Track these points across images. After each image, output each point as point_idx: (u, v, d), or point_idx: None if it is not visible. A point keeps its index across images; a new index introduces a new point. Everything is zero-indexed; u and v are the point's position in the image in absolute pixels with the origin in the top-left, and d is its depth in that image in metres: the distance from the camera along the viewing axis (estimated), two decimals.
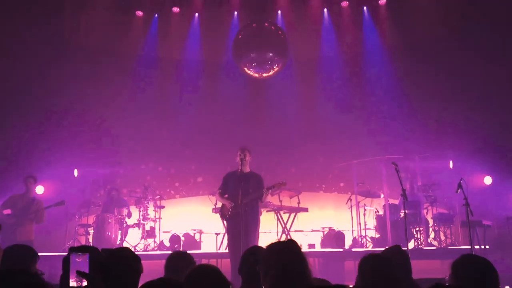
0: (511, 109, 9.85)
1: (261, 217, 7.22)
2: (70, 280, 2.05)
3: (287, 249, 2.90)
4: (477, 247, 7.72)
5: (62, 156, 10.17)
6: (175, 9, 11.62)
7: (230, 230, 7.02)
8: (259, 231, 7.01)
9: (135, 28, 11.54)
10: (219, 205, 7.53)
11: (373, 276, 2.97)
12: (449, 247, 8.96)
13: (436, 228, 9.52)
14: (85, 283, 2.05)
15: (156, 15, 11.63)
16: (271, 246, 2.95)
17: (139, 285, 2.12)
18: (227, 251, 7.38)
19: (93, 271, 2.07)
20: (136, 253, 2.80)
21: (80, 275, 2.03)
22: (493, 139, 9.79)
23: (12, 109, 9.79)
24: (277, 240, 3.48)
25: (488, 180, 9.96)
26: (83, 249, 2.13)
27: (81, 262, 2.07)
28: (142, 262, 2.78)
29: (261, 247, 3.96)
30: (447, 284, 2.82)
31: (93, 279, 2.04)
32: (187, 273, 2.49)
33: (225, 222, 7.50)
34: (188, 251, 4.11)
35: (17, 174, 8.68)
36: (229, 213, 6.86)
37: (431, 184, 9.67)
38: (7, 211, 7.65)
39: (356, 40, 11.72)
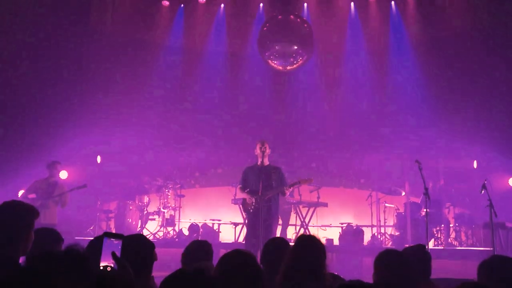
0: None
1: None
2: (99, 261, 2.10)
3: (305, 241, 2.99)
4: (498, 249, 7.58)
5: (86, 143, 10.32)
6: (201, 0, 11.63)
7: (250, 223, 6.99)
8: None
9: (161, 18, 11.60)
10: (239, 196, 7.54)
11: (387, 272, 2.94)
12: (470, 248, 8.82)
13: (458, 228, 9.40)
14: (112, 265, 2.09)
15: (182, 5, 11.67)
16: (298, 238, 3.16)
17: (164, 274, 2.15)
18: (244, 242, 7.38)
19: (124, 257, 2.11)
20: (154, 240, 2.84)
21: (114, 258, 2.07)
22: None
23: (36, 95, 9.97)
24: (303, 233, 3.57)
25: None
26: (118, 235, 2.18)
27: (112, 246, 2.12)
28: (161, 249, 2.82)
29: (283, 239, 3.99)
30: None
31: (124, 265, 2.08)
32: (221, 257, 2.51)
33: (245, 214, 7.50)
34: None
35: (41, 161, 8.86)
36: (253, 207, 6.80)
37: (454, 184, 9.52)
38: (32, 195, 7.80)
39: (382, 34, 11.56)
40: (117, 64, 10.96)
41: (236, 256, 2.53)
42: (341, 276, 3.32)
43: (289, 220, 9.51)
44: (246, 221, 7.47)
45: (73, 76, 10.38)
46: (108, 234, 2.17)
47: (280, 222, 9.44)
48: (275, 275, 3.02)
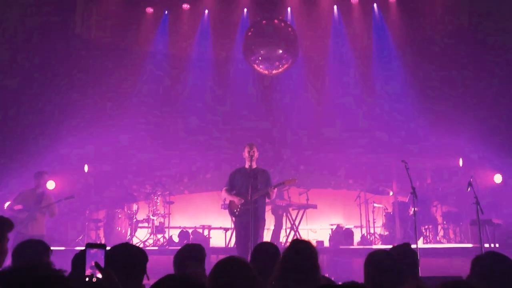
0: None
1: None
2: (84, 273, 2.10)
3: (299, 245, 3.03)
4: (486, 245, 7.68)
5: (72, 152, 10.26)
6: (185, 6, 11.63)
7: (238, 226, 7.02)
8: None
9: (146, 24, 11.59)
10: (223, 197, 7.54)
11: (378, 272, 2.98)
12: (458, 245, 8.93)
13: (445, 226, 9.51)
14: (99, 275, 2.10)
15: (166, 12, 11.66)
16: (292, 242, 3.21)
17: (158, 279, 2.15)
18: (235, 246, 7.39)
19: (108, 266, 2.11)
20: (145, 248, 2.83)
21: (97, 267, 2.08)
22: (504, 137, 9.70)
23: (22, 104, 9.90)
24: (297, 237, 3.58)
25: (498, 178, 9.89)
26: (100, 245, 2.18)
27: (96, 256, 2.12)
28: (152, 257, 2.80)
29: (271, 243, 4.01)
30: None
31: (108, 273, 2.08)
32: (215, 265, 2.51)
33: (233, 218, 7.49)
34: None
35: (27, 170, 8.77)
36: (238, 209, 6.85)
37: (441, 182, 9.64)
38: (18, 207, 7.72)
39: (366, 37, 11.67)
40: (102, 71, 10.92)
41: (231, 263, 2.53)
42: (332, 278, 3.36)
43: (282, 223, 9.53)
44: (234, 225, 7.47)
45: (59, 84, 10.32)
46: (90, 245, 2.18)
47: (273, 225, 9.49)
48: (265, 279, 3.04)
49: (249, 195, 6.62)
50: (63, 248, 8.46)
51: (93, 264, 2.09)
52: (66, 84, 10.44)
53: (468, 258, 3.13)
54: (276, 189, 6.97)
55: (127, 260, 2.62)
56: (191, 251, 3.61)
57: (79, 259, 2.24)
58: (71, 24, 10.66)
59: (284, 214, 9.50)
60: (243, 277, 2.43)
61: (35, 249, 3.17)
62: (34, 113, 10.03)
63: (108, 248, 2.34)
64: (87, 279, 2.08)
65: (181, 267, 3.43)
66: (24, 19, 9.63)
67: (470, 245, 8.67)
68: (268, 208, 8.67)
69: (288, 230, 9.47)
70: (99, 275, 2.09)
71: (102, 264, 2.11)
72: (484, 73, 10.10)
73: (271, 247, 3.68)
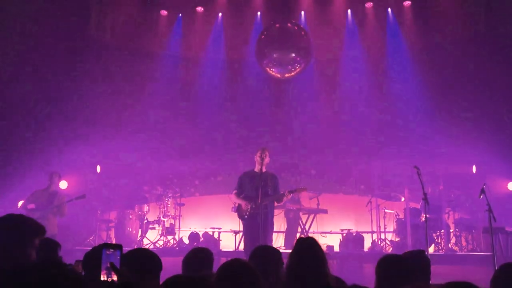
0: None
1: (276, 217, 7.28)
2: (101, 274, 2.10)
3: (305, 243, 2.99)
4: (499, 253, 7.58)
5: (85, 152, 10.34)
6: (199, 9, 11.71)
7: (247, 230, 7.01)
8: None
9: (160, 27, 11.67)
10: (234, 201, 7.54)
11: (388, 278, 2.95)
12: (470, 253, 8.82)
13: (458, 234, 9.40)
14: (115, 277, 2.10)
15: (180, 15, 11.74)
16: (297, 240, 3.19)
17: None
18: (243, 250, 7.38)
19: (123, 267, 2.11)
20: (155, 249, 2.84)
21: (113, 269, 2.08)
22: None
23: (36, 105, 10.02)
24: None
25: (511, 186, 9.76)
26: (116, 245, 2.18)
27: (111, 257, 2.12)
28: (162, 258, 2.81)
29: (271, 246, 4.01)
30: None
31: (125, 274, 2.08)
32: (219, 267, 2.52)
33: (242, 221, 7.49)
34: None
35: (41, 170, 8.86)
36: (247, 213, 6.84)
37: (453, 189, 9.53)
38: (31, 206, 7.79)
39: (379, 41, 11.62)
40: (116, 73, 11.01)
41: (235, 265, 2.54)
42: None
43: (296, 227, 9.49)
44: (243, 228, 7.48)
45: (73, 85, 10.43)
46: (106, 245, 2.18)
47: (284, 228, 9.47)
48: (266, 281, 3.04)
49: (259, 198, 6.62)
50: (74, 247, 8.51)
51: (109, 265, 2.09)
52: (80, 85, 10.55)
53: (480, 266, 3.09)
54: (290, 195, 6.96)
55: (142, 265, 2.63)
56: (199, 255, 3.62)
57: (93, 260, 2.24)
58: (86, 26, 10.77)
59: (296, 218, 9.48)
60: (247, 280, 2.44)
61: (46, 249, 3.19)
62: (49, 114, 10.14)
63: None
64: (102, 279, 2.08)
65: (190, 271, 3.44)
66: (38, 20, 9.74)
67: (482, 253, 8.55)
68: (279, 211, 8.66)
69: (298, 235, 9.44)
70: (115, 277, 2.09)
71: (117, 264, 2.11)
72: (499, 80, 9.98)
73: (271, 249, 3.67)
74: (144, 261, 2.69)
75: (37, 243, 2.56)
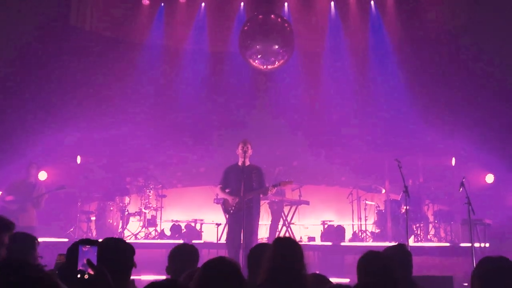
0: None
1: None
2: (77, 270, 2.08)
3: (282, 243, 3.03)
4: (477, 245, 7.73)
5: (65, 143, 10.20)
6: None
7: (231, 223, 7.00)
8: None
9: (142, 17, 11.51)
10: (220, 196, 7.53)
11: (370, 274, 2.97)
12: (449, 244, 8.98)
13: (437, 225, 9.54)
14: (91, 272, 2.07)
15: (162, 4, 11.59)
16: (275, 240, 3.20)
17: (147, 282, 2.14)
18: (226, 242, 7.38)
19: (100, 263, 2.08)
20: (136, 241, 2.81)
21: (90, 265, 2.05)
22: (496, 137, 9.73)
23: (15, 93, 9.82)
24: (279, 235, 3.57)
25: (490, 178, 9.94)
26: (93, 241, 2.16)
27: (88, 253, 2.10)
28: (143, 250, 2.78)
29: (268, 244, 4.02)
30: None
31: (101, 270, 2.05)
32: (203, 265, 2.50)
33: (227, 215, 7.49)
34: (191, 241, 4.15)
35: (20, 160, 8.71)
36: (233, 208, 6.81)
37: (433, 181, 9.67)
38: (9, 198, 7.67)
39: (362, 33, 11.66)
40: (96, 63, 10.83)
41: (220, 264, 2.52)
42: (323, 274, 3.35)
43: (279, 218, 9.52)
44: (227, 222, 7.47)
45: (53, 74, 10.24)
46: (83, 242, 2.16)
47: (269, 221, 9.49)
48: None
49: (241, 192, 6.61)
50: (54, 239, 8.41)
51: (85, 261, 2.07)
52: (59, 74, 10.36)
53: (458, 257, 3.13)
54: (275, 189, 6.96)
55: (117, 256, 2.57)
56: (185, 253, 3.63)
57: (69, 255, 2.21)
58: (67, 14, 10.57)
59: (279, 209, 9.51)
60: (231, 279, 2.42)
61: (23, 243, 3.11)
62: (27, 102, 9.94)
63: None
64: (78, 275, 2.05)
65: (175, 267, 3.47)
66: (20, 10, 9.52)
67: (461, 244, 8.71)
68: (264, 203, 8.69)
69: (280, 226, 9.48)
70: (91, 272, 2.07)
71: (94, 261, 2.09)
72: (479, 73, 10.11)
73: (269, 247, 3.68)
74: (117, 251, 2.61)
75: (6, 240, 2.47)
